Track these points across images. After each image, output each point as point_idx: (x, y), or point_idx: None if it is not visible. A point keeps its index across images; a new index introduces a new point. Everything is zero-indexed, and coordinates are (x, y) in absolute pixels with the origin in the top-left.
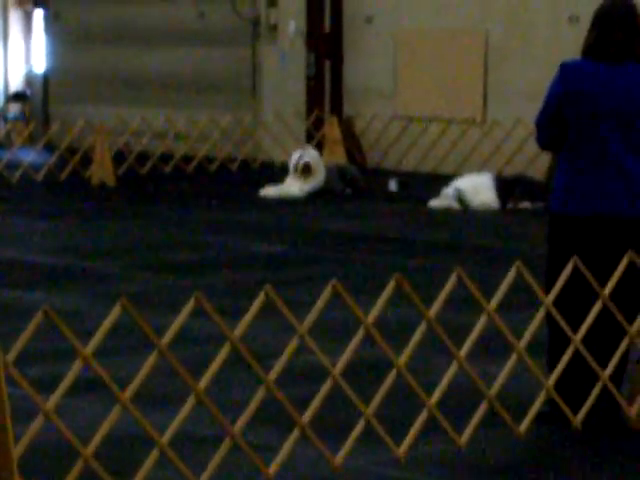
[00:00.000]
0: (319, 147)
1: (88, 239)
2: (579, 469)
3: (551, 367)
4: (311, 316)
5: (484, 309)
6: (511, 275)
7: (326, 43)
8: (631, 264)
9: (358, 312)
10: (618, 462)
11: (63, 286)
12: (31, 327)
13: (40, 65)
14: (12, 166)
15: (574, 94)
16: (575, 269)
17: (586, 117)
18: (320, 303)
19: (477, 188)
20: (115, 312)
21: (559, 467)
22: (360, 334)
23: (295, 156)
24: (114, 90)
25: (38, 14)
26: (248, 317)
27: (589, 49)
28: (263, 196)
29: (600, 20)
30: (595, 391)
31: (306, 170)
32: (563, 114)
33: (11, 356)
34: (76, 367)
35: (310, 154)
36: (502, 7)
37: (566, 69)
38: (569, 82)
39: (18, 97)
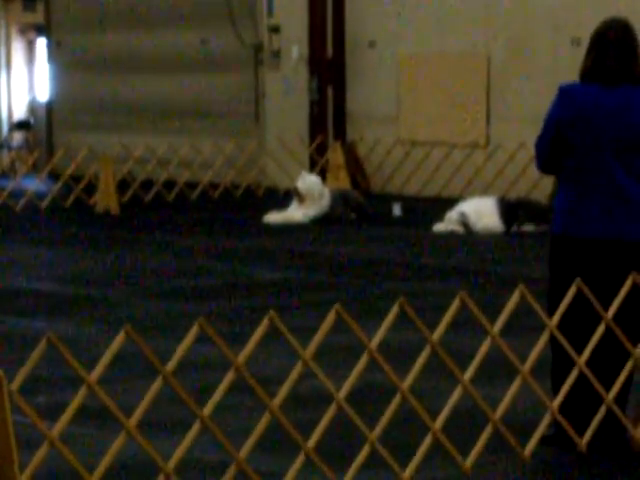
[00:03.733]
0: (322, 173)
1: (92, 267)
2: None
3: (555, 390)
4: (315, 342)
5: (488, 333)
6: (514, 299)
7: (329, 68)
8: (634, 286)
9: (362, 337)
10: None
11: (67, 314)
12: (35, 355)
13: (43, 93)
14: (16, 195)
15: (572, 118)
16: (577, 292)
17: (585, 140)
18: (323, 328)
19: (481, 212)
20: (119, 339)
21: None
22: (364, 359)
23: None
24: (117, 118)
25: (41, 43)
26: (252, 343)
27: (587, 72)
28: (267, 222)
29: (597, 43)
30: (600, 413)
31: (296, 195)
32: (562, 138)
33: (16, 384)
34: (81, 394)
35: (306, 180)
36: (504, 31)
37: (564, 93)
38: (567, 106)
39: (22, 126)
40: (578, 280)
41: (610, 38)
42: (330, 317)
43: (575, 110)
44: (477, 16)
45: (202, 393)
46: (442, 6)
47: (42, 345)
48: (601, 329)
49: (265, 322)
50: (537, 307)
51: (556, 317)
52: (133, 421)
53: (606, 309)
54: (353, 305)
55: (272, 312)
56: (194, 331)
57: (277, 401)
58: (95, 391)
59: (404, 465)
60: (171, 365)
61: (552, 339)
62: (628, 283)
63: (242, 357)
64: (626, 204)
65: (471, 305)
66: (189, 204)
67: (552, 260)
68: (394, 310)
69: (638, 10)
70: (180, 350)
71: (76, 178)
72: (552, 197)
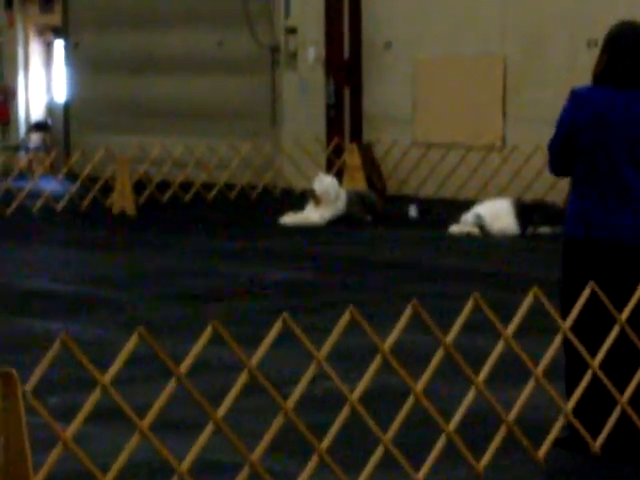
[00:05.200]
0: (339, 174)
1: (108, 268)
2: None
3: (569, 392)
4: (328, 343)
5: (501, 335)
6: (528, 300)
7: (345, 70)
8: None
9: (375, 338)
10: None
11: (83, 315)
12: (49, 357)
13: (61, 95)
14: (33, 196)
15: (584, 121)
16: (591, 294)
17: (597, 143)
18: (337, 329)
19: (497, 214)
20: (133, 341)
21: None
22: (378, 361)
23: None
24: (134, 119)
25: (58, 44)
26: (265, 345)
27: (599, 75)
28: (283, 223)
29: (609, 46)
30: (614, 416)
31: (312, 197)
32: (574, 140)
33: (30, 385)
34: (95, 395)
35: (323, 182)
36: (520, 33)
37: (576, 96)
38: (580, 109)
39: (39, 127)
40: (592, 282)
41: (623, 41)
42: (344, 318)
43: (587, 113)
44: (493, 18)
45: (216, 395)
46: (458, 8)
47: (56, 347)
48: (615, 331)
49: (278, 324)
50: (551, 309)
51: (570, 319)
52: (146, 422)
53: (619, 311)
54: (367, 307)
55: (285, 314)
56: (207, 333)
57: (291, 403)
58: (109, 392)
59: (417, 467)
60: (185, 366)
61: (566, 341)
62: None
63: (255, 359)
64: (637, 206)
65: (484, 307)
66: (205, 205)
67: (565, 263)
68: (407, 312)
69: None
70: (194, 352)
71: (93, 179)
72: (568, 199)
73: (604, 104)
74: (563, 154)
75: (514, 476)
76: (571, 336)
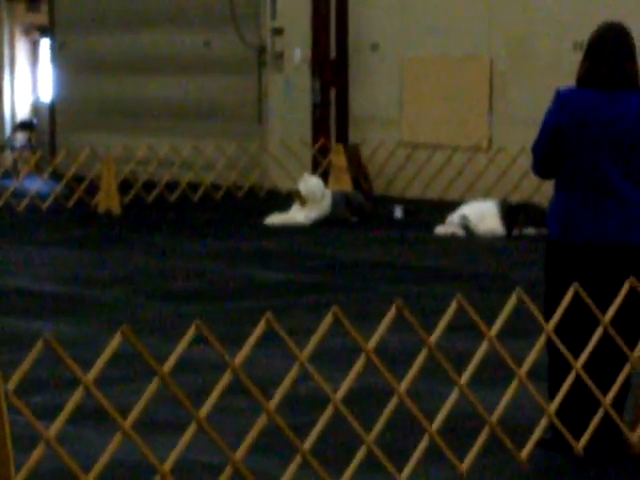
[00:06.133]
0: (325, 175)
1: (94, 268)
2: None
3: (552, 393)
4: (312, 344)
5: (485, 335)
6: (511, 302)
7: (331, 71)
8: (631, 290)
9: (359, 339)
10: None
11: (68, 314)
12: (31, 356)
13: (46, 94)
14: (18, 195)
15: (569, 122)
16: (574, 296)
17: (581, 145)
18: (321, 330)
19: (482, 215)
20: (116, 340)
21: None
22: (361, 361)
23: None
24: (120, 118)
25: (44, 43)
26: (249, 345)
27: (583, 77)
28: (269, 224)
29: (594, 48)
30: (597, 417)
31: (298, 198)
32: (558, 142)
33: (12, 384)
34: (78, 395)
35: (309, 182)
36: (507, 34)
37: (561, 97)
38: (564, 110)
39: (25, 126)
40: (576, 284)
41: (607, 43)
42: (328, 319)
43: (571, 115)
44: (480, 19)
45: (199, 394)
46: (445, 9)
47: (38, 347)
48: (599, 333)
49: (262, 324)
50: (534, 310)
51: (553, 322)
52: (129, 422)
53: (603, 313)
54: (352, 307)
55: (269, 314)
56: (191, 333)
57: (274, 403)
58: (92, 392)
59: (400, 468)
60: (168, 366)
61: (549, 343)
62: (625, 287)
63: (239, 359)
64: (622, 208)
65: (468, 308)
66: (191, 205)
67: (548, 266)
68: (391, 313)
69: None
70: (177, 351)
71: (78, 179)
72: None
73: (588, 106)
74: (547, 156)
75: (497, 477)
76: (554, 338)
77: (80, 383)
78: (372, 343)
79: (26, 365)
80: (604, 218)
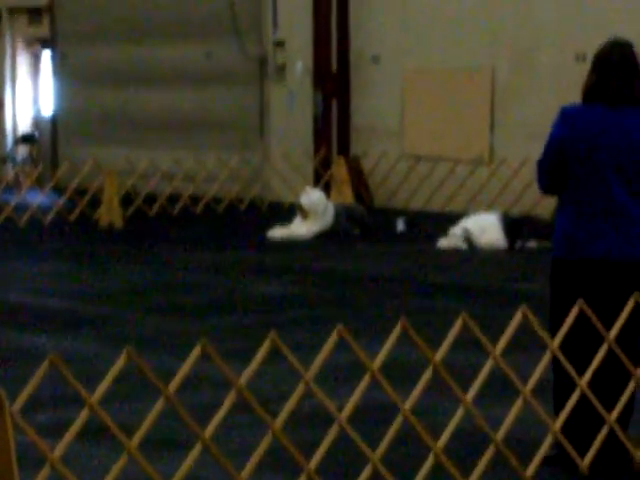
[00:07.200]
0: (327, 187)
1: (96, 282)
2: None
3: (557, 410)
4: (316, 364)
5: (490, 353)
6: (517, 319)
7: (333, 83)
8: (636, 307)
9: (364, 358)
10: None
11: (71, 329)
12: (37, 376)
13: (48, 107)
14: (20, 208)
15: (574, 139)
16: (579, 313)
17: (586, 161)
18: (325, 349)
19: (484, 228)
20: (121, 360)
21: None
22: (366, 379)
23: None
24: (122, 131)
25: (46, 56)
26: (254, 364)
27: (589, 93)
28: (271, 237)
29: (600, 64)
30: (602, 434)
31: (300, 211)
32: (563, 159)
33: (18, 404)
34: (83, 415)
35: (311, 196)
36: (509, 46)
37: (566, 114)
38: (569, 127)
39: (26, 139)
40: (580, 301)
41: (613, 59)
42: (332, 338)
43: (577, 131)
44: (482, 31)
45: (205, 411)
46: (447, 21)
47: (44, 367)
48: (603, 350)
49: (267, 343)
50: (539, 328)
51: (558, 339)
52: (135, 441)
53: (607, 330)
54: (355, 322)
55: (273, 332)
56: (196, 352)
57: (279, 421)
58: (97, 412)
59: None
60: (173, 386)
61: (554, 360)
62: (630, 304)
63: (244, 378)
64: (627, 225)
65: (473, 326)
66: (193, 218)
67: (553, 283)
68: (396, 332)
69: None
70: (182, 371)
71: (80, 192)
72: (556, 213)
73: (593, 122)
74: (552, 172)
75: None
76: (559, 355)
77: (85, 403)
78: (377, 362)
79: (32, 386)
80: (608, 235)
